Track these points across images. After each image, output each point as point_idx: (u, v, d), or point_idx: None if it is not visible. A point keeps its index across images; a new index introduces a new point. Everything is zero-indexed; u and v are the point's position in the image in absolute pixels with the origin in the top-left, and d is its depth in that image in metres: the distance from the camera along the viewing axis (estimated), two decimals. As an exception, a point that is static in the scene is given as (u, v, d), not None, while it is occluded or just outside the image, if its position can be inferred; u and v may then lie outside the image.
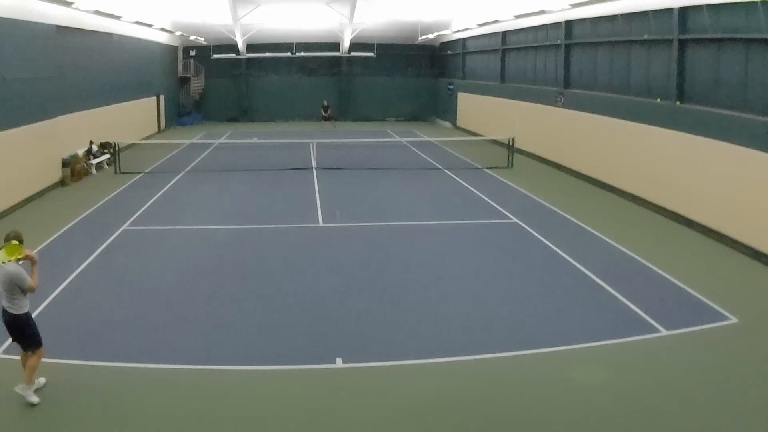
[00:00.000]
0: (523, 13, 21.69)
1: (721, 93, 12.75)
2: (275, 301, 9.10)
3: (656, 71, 15.12)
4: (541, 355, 7.37)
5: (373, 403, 6.39)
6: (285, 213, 14.45)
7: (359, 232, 12.95)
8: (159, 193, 16.32)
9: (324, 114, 33.01)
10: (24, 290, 6.26)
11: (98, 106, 21.04)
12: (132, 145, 23.53)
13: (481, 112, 28.39)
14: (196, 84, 35.21)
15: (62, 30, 17.48)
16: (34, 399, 6.28)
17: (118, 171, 19.15)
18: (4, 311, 6.36)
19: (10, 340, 7.48)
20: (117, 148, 20.14)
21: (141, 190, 16.81)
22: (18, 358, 6.62)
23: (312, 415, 6.17)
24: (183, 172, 19.36)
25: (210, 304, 8.91)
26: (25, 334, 6.37)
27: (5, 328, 6.43)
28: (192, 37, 31.15)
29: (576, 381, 6.78)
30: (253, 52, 34.02)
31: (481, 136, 26.07)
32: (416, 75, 37.41)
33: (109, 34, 22.21)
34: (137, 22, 23.85)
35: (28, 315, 6.38)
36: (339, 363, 7.16)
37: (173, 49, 33.28)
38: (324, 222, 13.62)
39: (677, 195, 13.47)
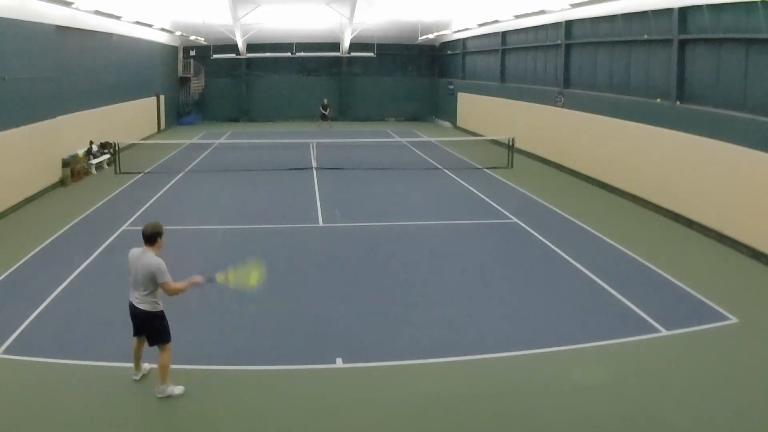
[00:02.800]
0: (523, 13, 21.69)
1: (721, 93, 12.75)
2: (275, 301, 9.09)
3: (656, 71, 15.11)
4: (541, 355, 7.36)
5: (373, 403, 6.39)
6: (285, 213, 14.45)
7: (359, 232, 12.95)
8: (159, 193, 16.32)
9: (323, 113, 33.02)
10: (158, 286, 6.20)
11: (98, 106, 21.03)
12: (132, 145, 23.52)
13: (481, 112, 28.39)
14: (196, 84, 35.21)
15: (62, 30, 17.48)
16: (178, 389, 6.40)
17: (118, 171, 19.14)
18: (135, 307, 6.31)
19: (10, 339, 7.56)
20: (117, 148, 20.14)
21: (141, 190, 16.81)
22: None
23: (312, 415, 6.16)
24: (183, 172, 19.36)
25: (209, 304, 8.90)
26: (154, 328, 6.37)
27: (133, 322, 6.40)
28: (192, 37, 31.16)
29: (576, 381, 6.78)
30: (253, 52, 34.02)
31: (481, 136, 26.07)
32: (416, 75, 37.40)
33: (109, 34, 22.21)
34: (137, 22, 23.84)
35: (162, 314, 6.38)
36: (339, 363, 7.16)
37: (173, 49, 33.28)
38: (324, 222, 13.62)
39: (677, 195, 13.46)
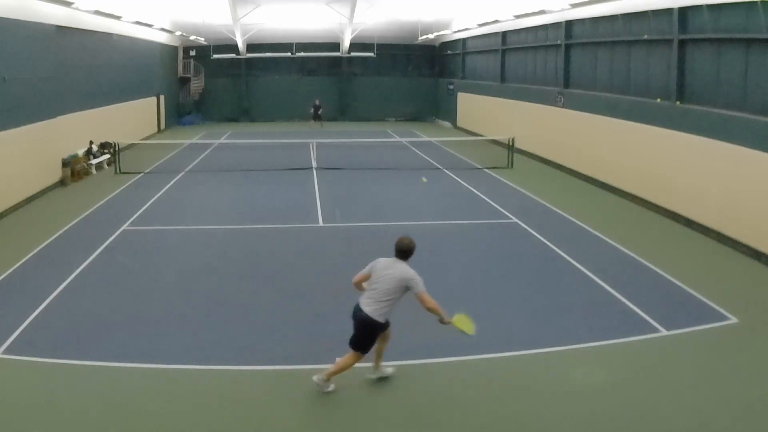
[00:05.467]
0: (523, 13, 21.71)
1: (721, 93, 12.75)
2: (275, 301, 9.10)
3: (656, 71, 15.12)
4: (541, 355, 7.36)
5: (373, 403, 6.38)
6: (285, 213, 14.45)
7: (359, 232, 12.94)
8: (159, 193, 16.32)
9: (315, 113, 33.04)
10: (402, 295, 6.18)
11: (98, 106, 21.03)
12: (132, 145, 23.54)
13: (481, 112, 28.39)
14: (196, 84, 35.20)
15: (62, 30, 17.48)
16: (330, 388, 6.42)
17: (118, 171, 19.15)
18: (360, 309, 6.23)
19: (10, 339, 7.56)
20: (117, 148, 20.15)
21: (141, 190, 16.81)
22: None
23: (312, 415, 6.16)
24: (183, 172, 19.36)
25: (210, 304, 8.91)
26: (366, 335, 6.30)
27: (355, 323, 6.31)
28: (192, 37, 31.17)
29: (576, 381, 6.78)
30: (253, 52, 34.02)
31: (481, 136, 26.07)
32: (416, 75, 37.41)
33: (109, 34, 22.21)
34: (137, 22, 23.85)
35: (382, 327, 6.30)
36: (339, 363, 7.16)
37: (173, 49, 33.28)
38: (324, 222, 13.62)
39: (677, 195, 13.47)
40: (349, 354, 6.37)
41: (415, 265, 10.65)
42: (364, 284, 6.42)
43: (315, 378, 6.38)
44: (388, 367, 6.76)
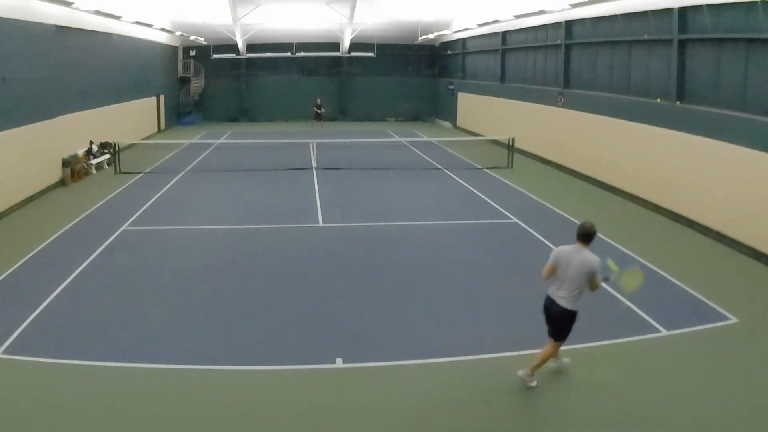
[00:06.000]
0: (523, 13, 21.71)
1: (721, 93, 12.75)
2: (275, 301, 9.10)
3: (656, 71, 15.11)
4: (541, 355, 7.37)
5: (373, 403, 6.39)
6: (285, 213, 14.45)
7: (359, 232, 12.95)
8: (159, 193, 16.32)
9: (318, 112, 33.04)
10: (590, 287, 6.39)
11: (98, 106, 21.03)
12: (132, 145, 23.53)
13: (481, 112, 28.40)
14: (196, 84, 35.19)
15: (62, 30, 17.47)
16: (533, 383, 6.56)
17: (118, 171, 19.15)
18: (553, 303, 6.46)
19: (10, 339, 7.57)
20: (117, 148, 20.15)
21: (141, 190, 16.81)
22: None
23: (312, 415, 6.16)
24: (183, 172, 19.36)
25: (210, 304, 8.91)
26: (564, 324, 6.49)
27: (547, 315, 6.57)
28: (192, 37, 31.17)
29: (576, 381, 6.78)
30: (253, 52, 34.02)
31: (481, 136, 26.07)
32: (416, 75, 37.39)
33: (109, 34, 22.20)
34: (137, 22, 23.85)
35: (576, 314, 6.47)
36: (339, 363, 7.16)
37: (173, 49, 33.28)
38: (324, 222, 13.62)
39: (677, 195, 13.46)
40: (550, 344, 6.58)
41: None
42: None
43: (520, 373, 6.55)
44: (565, 357, 6.95)
